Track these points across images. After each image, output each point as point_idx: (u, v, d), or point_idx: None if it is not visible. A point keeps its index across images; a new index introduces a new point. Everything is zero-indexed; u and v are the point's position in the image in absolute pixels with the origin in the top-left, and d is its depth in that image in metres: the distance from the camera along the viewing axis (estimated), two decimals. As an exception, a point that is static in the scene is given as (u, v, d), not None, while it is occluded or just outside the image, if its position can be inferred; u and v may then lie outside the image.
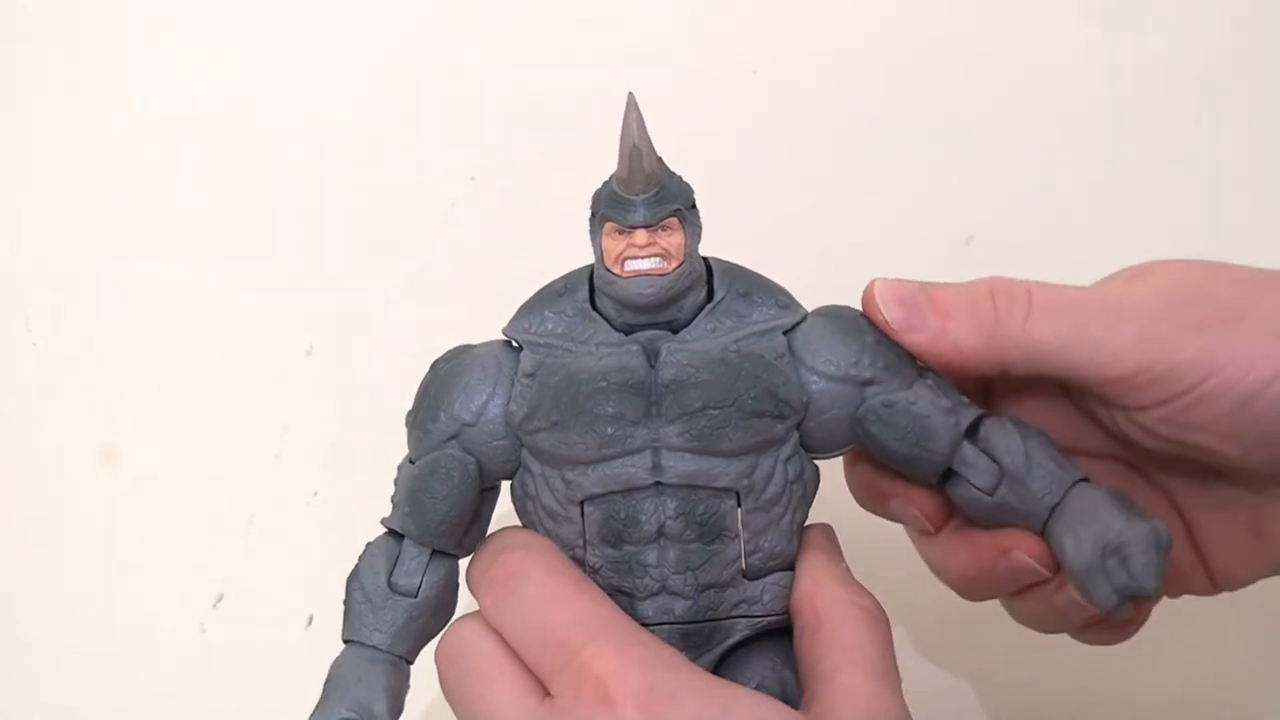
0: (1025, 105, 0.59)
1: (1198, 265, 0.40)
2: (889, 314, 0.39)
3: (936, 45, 0.59)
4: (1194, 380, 0.37)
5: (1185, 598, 0.44)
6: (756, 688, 0.38)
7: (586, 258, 0.40)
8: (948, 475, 0.40)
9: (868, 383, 0.39)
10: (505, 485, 0.41)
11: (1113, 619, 0.39)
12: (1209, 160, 0.59)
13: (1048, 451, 0.39)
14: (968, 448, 0.39)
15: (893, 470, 0.41)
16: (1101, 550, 0.37)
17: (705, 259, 0.40)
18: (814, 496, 0.40)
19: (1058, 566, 0.40)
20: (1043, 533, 0.39)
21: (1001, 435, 0.39)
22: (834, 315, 0.40)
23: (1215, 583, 0.43)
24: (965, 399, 0.40)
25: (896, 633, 0.39)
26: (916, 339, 0.39)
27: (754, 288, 0.40)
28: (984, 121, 0.59)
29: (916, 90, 0.59)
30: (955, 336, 0.39)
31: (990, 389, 0.43)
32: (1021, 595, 0.43)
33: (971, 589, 0.43)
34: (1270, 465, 0.39)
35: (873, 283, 0.40)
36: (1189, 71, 0.59)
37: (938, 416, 0.39)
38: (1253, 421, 0.37)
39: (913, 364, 0.40)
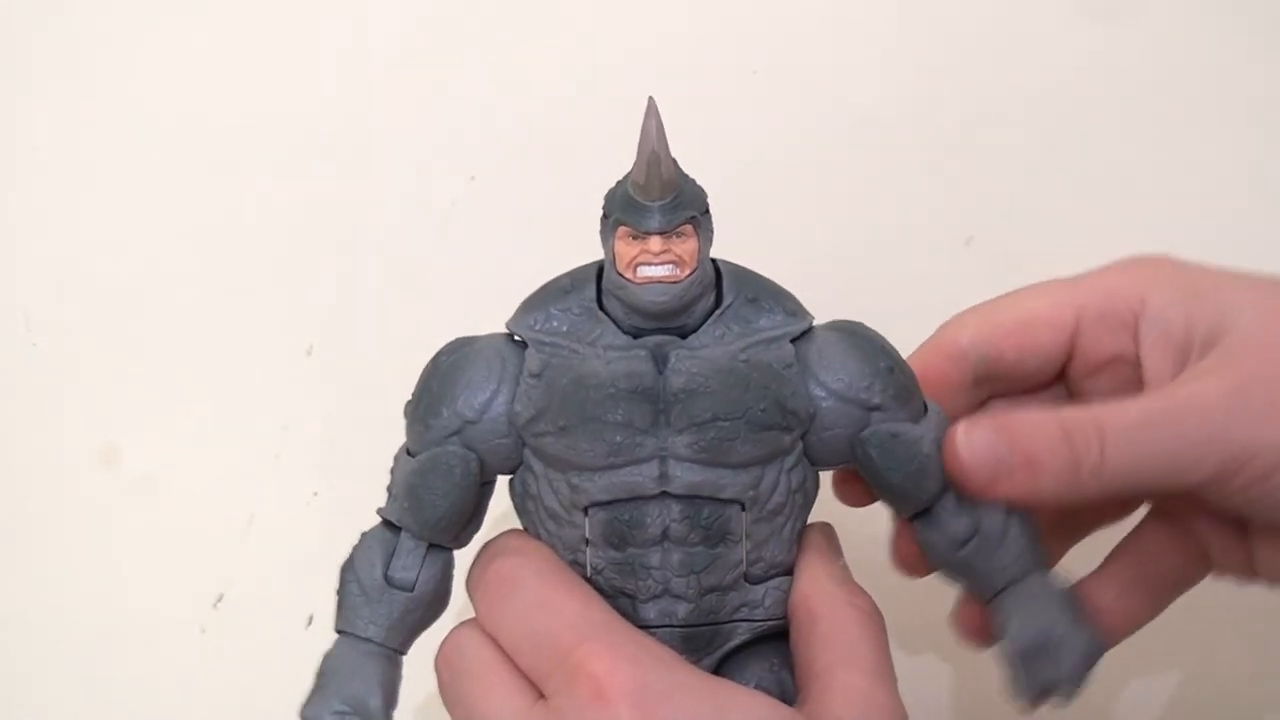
0: (1025, 105, 0.59)
1: (1266, 344, 0.39)
2: (978, 474, 0.38)
3: (936, 45, 0.59)
4: (1271, 465, 0.37)
5: (1189, 602, 0.44)
6: (754, 688, 0.38)
7: (587, 258, 0.40)
8: (923, 513, 0.40)
9: (875, 408, 0.39)
10: (502, 481, 0.41)
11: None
12: (1210, 160, 0.59)
13: (1025, 529, 0.40)
14: (953, 496, 0.39)
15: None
16: (1040, 643, 0.38)
17: (713, 261, 0.39)
18: (813, 504, 0.40)
19: (919, 573, 0.42)
20: (991, 602, 0.40)
21: None
22: (852, 333, 0.40)
23: (1257, 574, 0.43)
24: None
25: (893, 633, 0.39)
26: (1004, 492, 0.38)
27: (762, 293, 0.39)
28: (984, 121, 0.59)
29: (916, 90, 0.59)
30: (1042, 491, 0.38)
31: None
32: None
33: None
34: None
35: (954, 434, 0.39)
36: (1190, 71, 0.59)
37: (937, 458, 0.39)
38: None
39: (921, 396, 0.40)
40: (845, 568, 0.40)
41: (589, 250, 0.39)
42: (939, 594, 0.44)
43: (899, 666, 0.38)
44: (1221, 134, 0.59)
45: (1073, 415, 0.38)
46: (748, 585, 0.39)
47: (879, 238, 0.59)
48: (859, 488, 0.42)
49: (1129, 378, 0.42)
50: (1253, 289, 0.40)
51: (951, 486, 0.39)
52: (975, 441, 0.38)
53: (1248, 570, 0.43)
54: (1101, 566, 0.44)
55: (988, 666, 0.52)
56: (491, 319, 0.41)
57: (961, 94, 0.59)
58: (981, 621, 0.41)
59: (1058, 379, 0.44)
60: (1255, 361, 0.38)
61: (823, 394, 0.39)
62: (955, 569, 0.40)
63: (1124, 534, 0.45)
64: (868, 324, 0.41)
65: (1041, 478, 0.38)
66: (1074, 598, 0.39)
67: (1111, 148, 0.59)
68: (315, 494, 0.59)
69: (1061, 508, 0.41)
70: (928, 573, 0.42)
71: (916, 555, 0.42)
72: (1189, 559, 0.44)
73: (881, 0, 0.60)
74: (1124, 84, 0.59)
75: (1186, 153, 0.59)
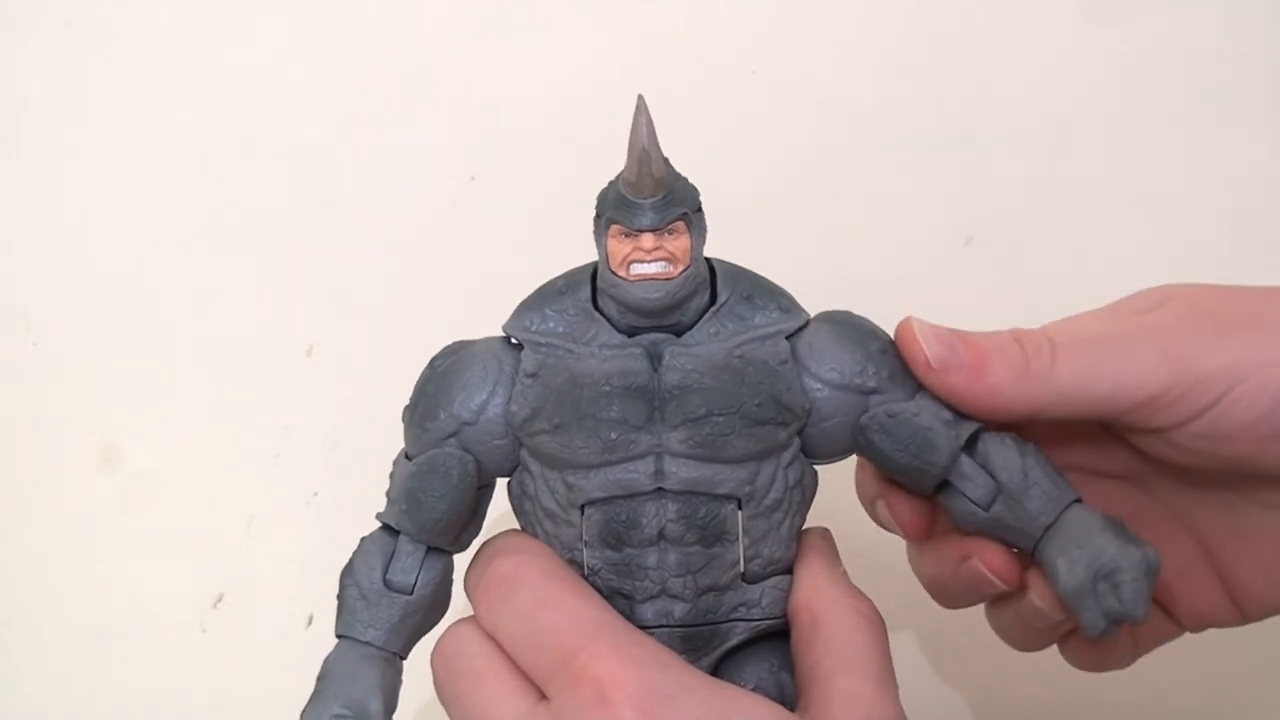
0: (1025, 105, 0.59)
1: (1210, 286, 0.40)
2: (931, 352, 0.39)
3: (936, 45, 0.59)
4: (1223, 388, 0.37)
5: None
6: (754, 690, 0.38)
7: (588, 257, 0.40)
8: (943, 486, 0.40)
9: (871, 391, 0.39)
10: (501, 483, 0.41)
11: (1093, 640, 0.40)
12: (1209, 159, 0.59)
13: (1045, 470, 0.39)
14: (966, 461, 0.39)
15: (888, 477, 0.41)
16: (1094, 574, 0.38)
17: (708, 260, 0.40)
18: (812, 500, 0.40)
19: (1018, 579, 0.40)
20: (1035, 551, 0.39)
21: (1000, 450, 0.39)
22: (839, 322, 0.40)
23: (1243, 612, 0.43)
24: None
25: (894, 638, 0.39)
26: (954, 380, 0.39)
27: (756, 290, 0.39)
28: (984, 121, 0.59)
29: (917, 90, 0.59)
30: (991, 379, 0.38)
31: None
32: (994, 606, 0.43)
33: (941, 594, 0.43)
34: None
35: (909, 320, 0.39)
36: (1189, 70, 0.59)
37: (939, 428, 0.39)
38: None
39: (913, 375, 0.40)
40: (845, 573, 0.40)
41: (589, 250, 0.39)
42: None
43: (899, 672, 0.38)
44: (1222, 133, 0.59)
45: (1025, 331, 0.39)
46: (745, 585, 0.39)
47: (879, 238, 0.58)
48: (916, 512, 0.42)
49: None
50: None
51: (912, 372, 0.39)
52: (928, 324, 0.39)
53: (1231, 613, 0.43)
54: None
55: (988, 676, 0.52)
56: (492, 319, 0.41)
57: (961, 94, 0.59)
58: (913, 515, 0.42)
59: None
60: (1201, 303, 0.39)
61: (818, 385, 0.39)
62: (993, 530, 0.40)
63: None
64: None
65: (992, 368, 0.38)
66: (1114, 520, 0.39)
67: (1112, 148, 0.59)
68: (315, 494, 0.59)
69: (1010, 419, 0.40)
70: (929, 538, 0.42)
71: (916, 521, 0.42)
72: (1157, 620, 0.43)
73: (881, 0, 0.60)
74: (1124, 84, 0.59)
75: (1187, 152, 0.59)
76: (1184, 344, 0.38)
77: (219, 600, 0.59)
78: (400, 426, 0.40)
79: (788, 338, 0.39)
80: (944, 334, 0.39)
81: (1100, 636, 0.38)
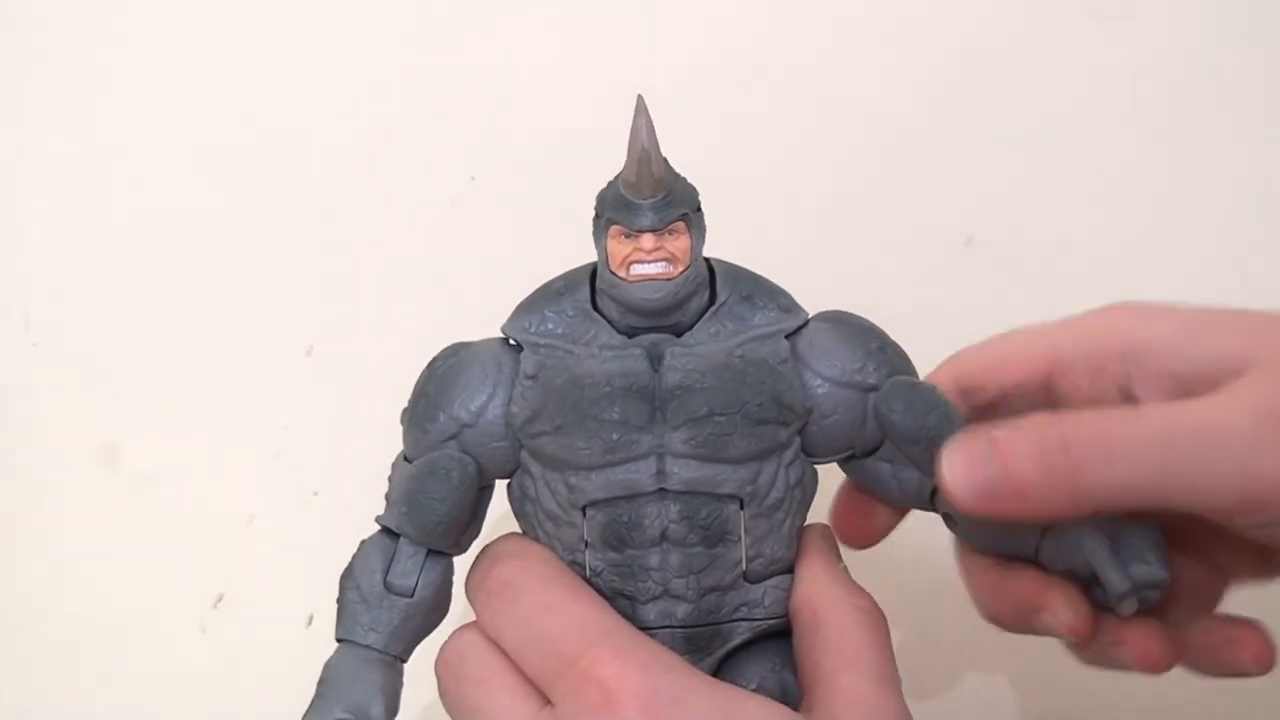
0: (1026, 105, 0.59)
1: None
2: (964, 491, 0.36)
3: (937, 45, 0.59)
4: None
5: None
6: (756, 689, 0.38)
7: (589, 257, 0.40)
8: None
9: (872, 388, 0.39)
10: (501, 485, 0.41)
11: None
12: (1210, 160, 0.59)
13: None
14: None
15: (999, 552, 0.40)
16: (1115, 545, 0.37)
17: (707, 260, 0.40)
18: (812, 500, 0.40)
19: (1090, 633, 0.39)
20: (1043, 535, 0.39)
21: None
22: (839, 321, 0.40)
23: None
24: None
25: (895, 634, 0.39)
26: (994, 508, 0.36)
27: (756, 290, 0.40)
28: (984, 121, 0.59)
29: (916, 90, 0.59)
30: (1036, 503, 0.36)
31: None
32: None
33: (995, 622, 0.41)
34: None
35: (941, 456, 0.37)
36: (1191, 70, 0.59)
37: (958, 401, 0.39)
38: None
39: (914, 371, 0.40)
40: (845, 569, 0.40)
41: (590, 251, 0.39)
42: (937, 598, 0.44)
43: (901, 668, 0.38)
44: (1223, 133, 0.59)
45: (1075, 427, 0.36)
46: (747, 585, 0.39)
47: (879, 238, 0.59)
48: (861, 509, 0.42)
49: None
50: (1259, 325, 0.38)
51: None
52: (958, 465, 0.36)
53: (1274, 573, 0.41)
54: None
55: (989, 672, 0.52)
56: (491, 319, 0.41)
57: (961, 94, 0.59)
58: (858, 519, 0.42)
59: None
60: None
61: (818, 382, 0.39)
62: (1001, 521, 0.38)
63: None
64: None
65: (1034, 491, 0.36)
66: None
67: (1112, 147, 0.59)
68: (315, 494, 0.59)
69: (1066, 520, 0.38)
70: (874, 542, 0.42)
71: (857, 526, 0.42)
72: (1210, 584, 0.41)
73: (882, 0, 0.60)
74: (1125, 83, 0.59)
75: (1187, 152, 0.59)
76: (1263, 456, 0.34)
77: (219, 600, 0.59)
78: (400, 426, 0.40)
79: (787, 337, 0.39)
80: (976, 464, 0.36)
81: (1123, 602, 0.37)
